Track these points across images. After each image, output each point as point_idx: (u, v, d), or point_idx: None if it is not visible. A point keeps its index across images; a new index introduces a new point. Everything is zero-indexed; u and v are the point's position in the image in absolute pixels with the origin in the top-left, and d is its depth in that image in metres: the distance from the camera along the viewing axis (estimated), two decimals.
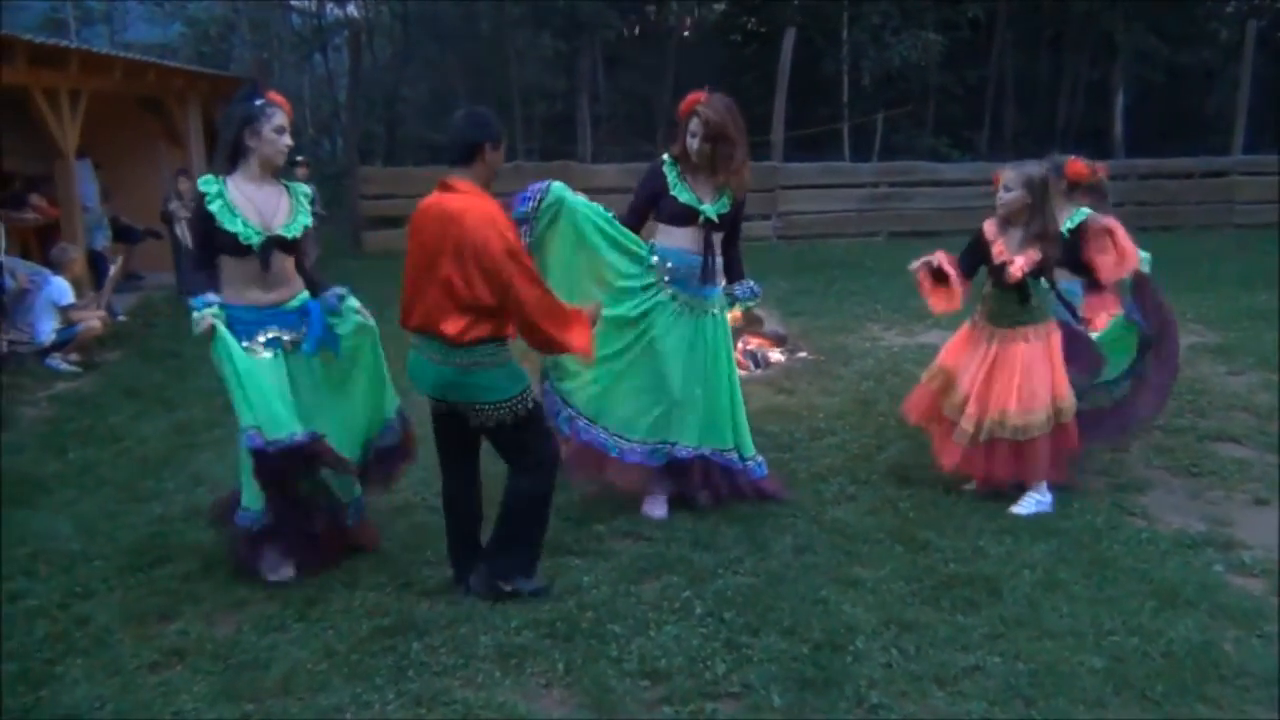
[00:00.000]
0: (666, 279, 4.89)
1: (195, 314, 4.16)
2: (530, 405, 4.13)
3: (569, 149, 16.99)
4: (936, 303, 5.19)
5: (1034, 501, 5.00)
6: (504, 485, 4.23)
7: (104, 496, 5.52)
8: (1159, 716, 3.39)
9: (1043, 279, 4.98)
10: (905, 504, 5.14)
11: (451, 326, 3.94)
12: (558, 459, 4.31)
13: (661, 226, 4.94)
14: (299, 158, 9.87)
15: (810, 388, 7.46)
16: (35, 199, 11.11)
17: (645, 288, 4.90)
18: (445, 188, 4.02)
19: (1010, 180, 4.90)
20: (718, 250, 4.96)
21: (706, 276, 4.92)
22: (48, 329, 8.54)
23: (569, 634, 3.91)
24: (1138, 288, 5.40)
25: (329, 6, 21.61)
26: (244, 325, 4.24)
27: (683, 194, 4.85)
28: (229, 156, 4.30)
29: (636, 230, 4.97)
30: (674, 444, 4.97)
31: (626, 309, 4.88)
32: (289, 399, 4.22)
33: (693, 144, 4.79)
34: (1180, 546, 4.64)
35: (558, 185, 4.85)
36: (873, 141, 18.24)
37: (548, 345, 4.11)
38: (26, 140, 10.41)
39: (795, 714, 3.43)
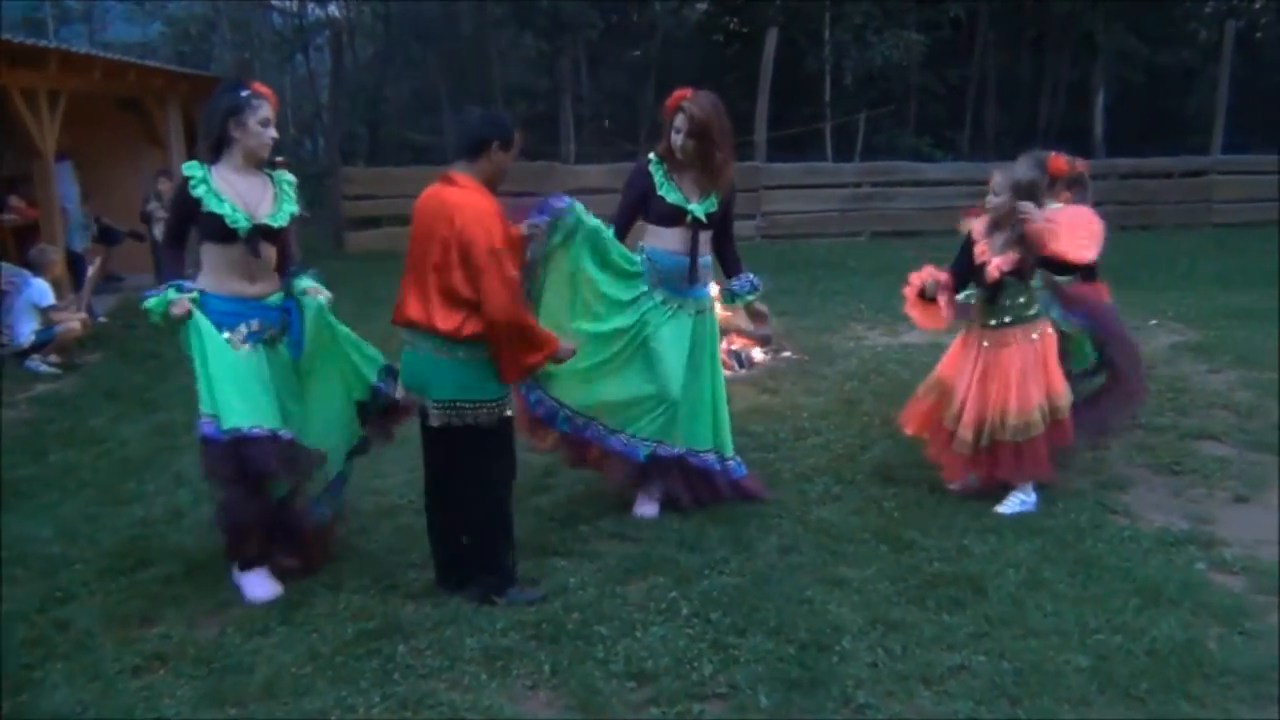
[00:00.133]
0: (656, 280, 4.87)
1: (172, 296, 4.09)
2: (505, 415, 4.13)
3: (552, 149, 16.96)
4: (919, 318, 5.27)
5: (1018, 501, 5.01)
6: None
7: (84, 499, 5.48)
8: (1144, 714, 3.40)
9: (1028, 280, 4.98)
10: (890, 503, 5.15)
11: (441, 320, 3.95)
12: (512, 478, 4.30)
13: (650, 227, 4.93)
14: (279, 157, 9.78)
15: (794, 387, 7.47)
16: (14, 200, 11.03)
17: (635, 300, 4.86)
18: (447, 180, 4.04)
19: (998, 185, 4.93)
20: (703, 250, 4.95)
21: (693, 277, 4.91)
22: (27, 331, 8.48)
23: (555, 635, 3.90)
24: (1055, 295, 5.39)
25: (310, 6, 21.53)
26: (225, 316, 4.17)
27: (670, 194, 4.84)
28: (212, 147, 4.23)
29: (626, 231, 4.95)
30: (660, 442, 4.96)
31: (618, 323, 4.85)
32: (270, 393, 4.17)
33: (677, 140, 4.78)
34: (1163, 544, 4.66)
35: (579, 207, 4.81)
36: (855, 141, 18.27)
37: (505, 350, 3.99)
38: (4, 141, 10.33)
39: (782, 714, 3.43)
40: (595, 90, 20.36)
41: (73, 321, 8.70)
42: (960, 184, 15.83)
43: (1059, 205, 5.61)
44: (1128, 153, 17.69)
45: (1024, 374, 4.95)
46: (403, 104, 21.16)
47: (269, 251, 4.28)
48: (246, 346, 4.20)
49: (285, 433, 4.15)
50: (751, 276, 5.21)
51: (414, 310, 4.03)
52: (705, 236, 4.94)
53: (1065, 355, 5.26)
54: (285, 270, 4.41)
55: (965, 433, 5.00)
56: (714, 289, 5.23)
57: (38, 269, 8.80)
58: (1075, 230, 4.92)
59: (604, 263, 4.85)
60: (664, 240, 4.89)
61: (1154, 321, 9.44)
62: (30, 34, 14.03)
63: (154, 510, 5.27)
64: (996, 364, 5.00)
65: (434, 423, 4.11)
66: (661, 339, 4.86)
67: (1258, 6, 21.63)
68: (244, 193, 4.21)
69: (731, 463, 5.15)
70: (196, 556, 4.62)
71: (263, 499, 4.18)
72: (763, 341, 8.52)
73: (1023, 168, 5.10)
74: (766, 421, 6.55)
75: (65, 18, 22.71)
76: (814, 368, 8.05)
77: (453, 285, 3.92)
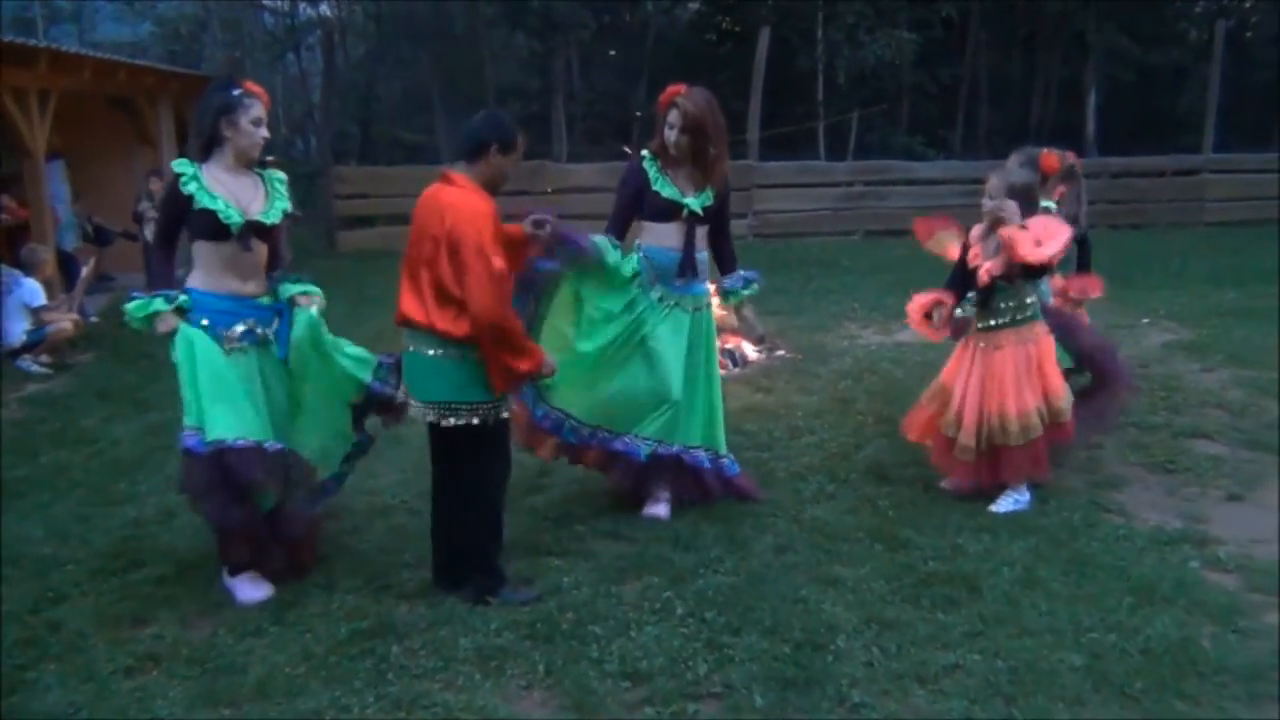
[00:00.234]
0: (653, 277, 4.85)
1: (158, 308, 4.08)
2: (501, 417, 4.12)
3: (544, 148, 16.94)
4: (926, 334, 5.32)
5: (1012, 500, 5.01)
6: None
7: (76, 499, 5.45)
8: (1138, 713, 3.40)
9: (1019, 283, 4.97)
10: (884, 502, 5.15)
11: (435, 318, 3.95)
12: (505, 480, 4.29)
13: (646, 224, 4.91)
14: (269, 157, 9.73)
15: (788, 386, 7.47)
16: (5, 200, 10.99)
17: (629, 303, 4.85)
18: (445, 180, 4.04)
19: (993, 189, 4.94)
20: (698, 245, 4.94)
21: (685, 271, 4.89)
22: (18, 331, 8.44)
23: (549, 635, 3.89)
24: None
25: (301, 6, 21.49)
26: (221, 315, 4.15)
27: (665, 188, 4.83)
28: (203, 146, 4.21)
29: (625, 230, 4.93)
30: (660, 441, 4.93)
31: (614, 330, 4.84)
32: (259, 401, 4.15)
33: (670, 135, 4.77)
34: (1157, 543, 4.66)
35: (613, 253, 4.81)
36: (848, 140, 18.30)
37: (492, 353, 3.95)
38: None
39: (777, 714, 3.42)
40: (587, 90, 20.35)
41: (64, 322, 8.67)
42: (953, 183, 15.87)
43: (1053, 204, 5.63)
44: (1119, 152, 17.74)
45: (1018, 378, 4.94)
46: (395, 103, 21.15)
47: (260, 249, 4.26)
48: (241, 346, 4.18)
49: (273, 444, 4.11)
50: (744, 272, 5.21)
51: (410, 309, 4.03)
52: (701, 231, 4.93)
53: None
54: (273, 271, 4.37)
55: (967, 439, 4.99)
56: (711, 286, 5.21)
57: (28, 268, 8.77)
58: (1040, 235, 4.91)
59: (598, 281, 4.84)
60: (660, 236, 4.88)
61: (1146, 320, 9.46)
62: (20, 33, 13.97)
63: (146, 510, 5.25)
64: (991, 366, 5.00)
65: (429, 420, 4.10)
66: (659, 337, 4.85)
67: (1248, 6, 21.73)
68: (235, 191, 4.18)
69: (725, 460, 5.13)
70: (189, 557, 4.60)
71: (249, 508, 4.13)
72: (757, 340, 8.54)
73: (1017, 170, 5.10)
74: (761, 420, 6.54)
75: (55, 17, 22.63)
76: (808, 366, 8.05)
77: (444, 283, 3.92)
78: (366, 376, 4.43)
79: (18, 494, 5.54)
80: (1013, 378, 4.94)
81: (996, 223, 4.92)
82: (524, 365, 4.01)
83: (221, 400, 4.03)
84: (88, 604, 4.25)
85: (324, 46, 17.10)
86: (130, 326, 4.21)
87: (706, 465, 5.04)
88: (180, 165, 4.17)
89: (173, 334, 4.09)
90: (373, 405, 4.49)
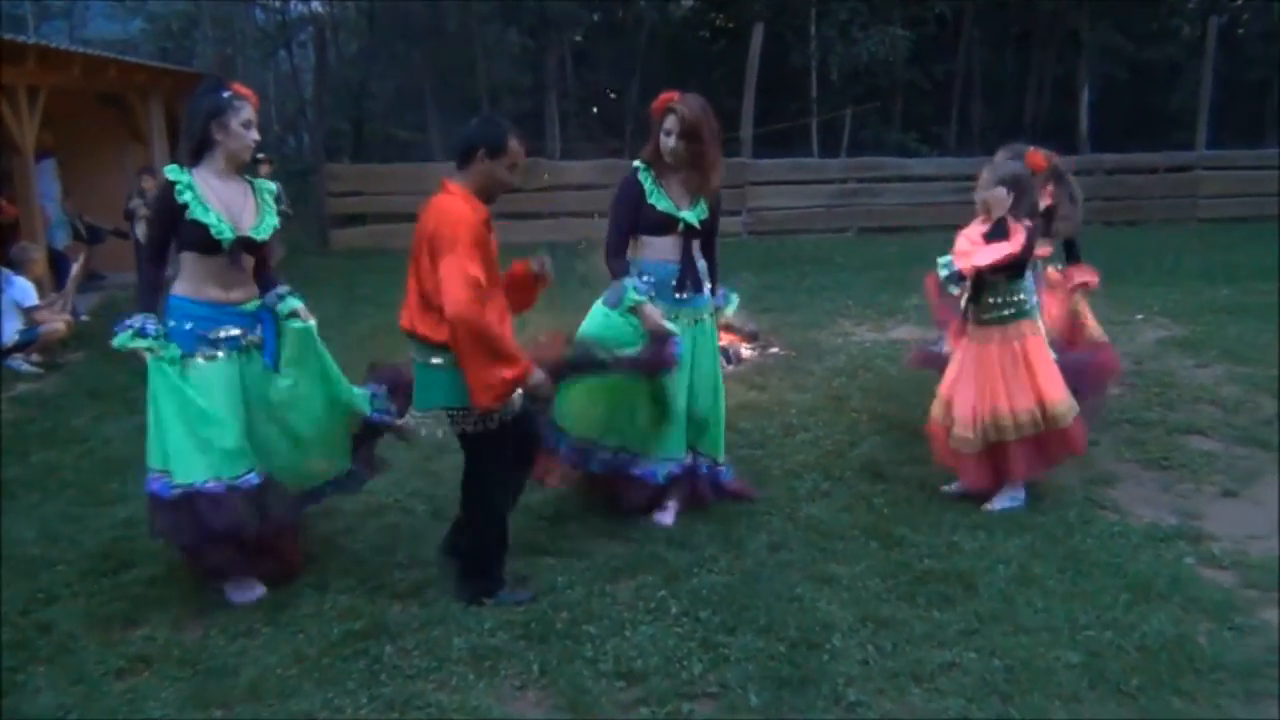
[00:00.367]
0: (652, 294, 4.74)
1: (133, 345, 4.09)
2: (493, 427, 4.04)
3: (537, 145, 16.92)
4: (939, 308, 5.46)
5: (1007, 498, 5.00)
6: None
7: (67, 500, 5.42)
8: (1135, 711, 3.39)
9: (1005, 280, 4.96)
10: (879, 500, 5.13)
11: (421, 324, 3.94)
12: (500, 490, 4.22)
13: (642, 238, 4.80)
14: (260, 155, 9.75)
15: (782, 384, 7.45)
16: None
17: (635, 329, 4.74)
18: (441, 188, 4.01)
19: (984, 182, 4.95)
20: (696, 257, 4.89)
21: (683, 286, 4.80)
22: (10, 330, 8.39)
23: (544, 635, 3.87)
24: None
25: (293, 2, 21.42)
26: (202, 322, 4.12)
27: (660, 202, 4.73)
28: (193, 150, 4.17)
29: (625, 245, 4.81)
30: (672, 458, 4.89)
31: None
32: (237, 412, 4.10)
33: (668, 142, 4.70)
34: (1152, 540, 4.65)
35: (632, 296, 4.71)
36: (841, 137, 18.31)
37: (467, 359, 3.83)
38: None
39: (772, 713, 3.41)
40: (581, 87, 20.32)
41: (57, 323, 8.63)
42: (946, 179, 15.87)
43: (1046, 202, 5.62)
44: (1113, 148, 17.77)
45: (1005, 375, 4.93)
46: (387, 100, 21.07)
47: (248, 261, 4.23)
48: (222, 354, 4.14)
49: (248, 478, 4.04)
50: (722, 290, 5.09)
51: (404, 317, 4.02)
52: (697, 244, 4.87)
53: None
54: (263, 277, 4.33)
55: (963, 431, 4.97)
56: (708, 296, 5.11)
57: (18, 267, 8.72)
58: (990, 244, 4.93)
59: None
60: (656, 250, 4.79)
61: (1140, 316, 9.47)
62: (9, 30, 13.91)
63: (137, 511, 5.18)
64: (982, 362, 4.99)
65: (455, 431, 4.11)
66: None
67: (1240, 3, 21.75)
68: (227, 201, 4.15)
69: (721, 469, 5.11)
70: (180, 558, 4.57)
71: (224, 545, 4.09)
72: (750, 337, 8.53)
73: (1005, 163, 5.09)
74: (755, 418, 6.53)
75: (45, 14, 22.53)
76: (802, 364, 8.04)
77: (426, 288, 3.90)
78: (366, 409, 4.41)
79: (8, 494, 5.50)
80: (1000, 375, 4.93)
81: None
82: (505, 373, 3.84)
83: (190, 439, 4.01)
84: (78, 605, 4.22)
85: (316, 43, 17.05)
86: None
87: (704, 472, 5.03)
88: (174, 173, 4.12)
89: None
90: (375, 434, 4.48)
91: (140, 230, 10.62)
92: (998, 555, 4.47)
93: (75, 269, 9.84)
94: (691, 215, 4.77)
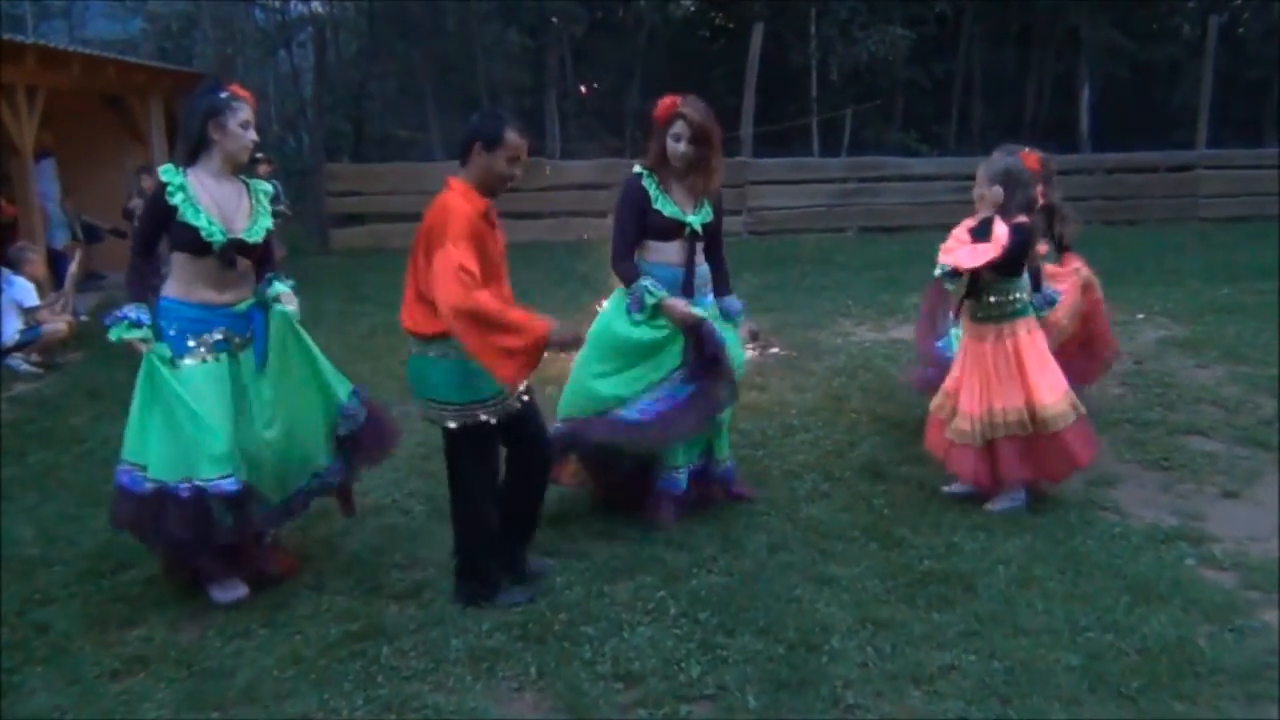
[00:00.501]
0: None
1: (129, 336, 4.05)
2: (473, 424, 4.00)
3: (537, 145, 16.90)
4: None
5: (1007, 498, 4.98)
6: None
7: (65, 500, 5.41)
8: (1135, 713, 3.37)
9: (999, 279, 4.94)
10: (879, 500, 5.12)
11: (408, 317, 3.95)
12: (478, 490, 4.14)
13: (647, 243, 4.76)
14: (259, 155, 9.74)
15: (782, 384, 7.44)
16: None
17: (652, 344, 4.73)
18: (445, 186, 4.00)
19: (980, 181, 4.95)
20: (699, 260, 4.85)
21: (687, 289, 4.76)
22: (10, 330, 8.38)
23: (541, 636, 3.86)
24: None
25: (293, 2, 21.38)
26: (192, 324, 4.10)
27: (666, 207, 4.71)
28: (190, 150, 4.15)
29: (633, 250, 4.76)
30: (688, 465, 4.90)
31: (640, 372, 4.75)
32: (224, 414, 4.06)
33: (677, 148, 4.65)
34: (1152, 541, 4.64)
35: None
36: (841, 136, 18.29)
37: (470, 339, 3.76)
38: None
39: (770, 715, 3.39)
40: (581, 86, 20.31)
41: (59, 323, 8.62)
42: (946, 179, 15.84)
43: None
44: (1113, 147, 17.77)
45: (996, 372, 4.92)
46: (387, 100, 21.06)
47: (242, 263, 4.20)
48: (212, 357, 4.11)
49: (226, 483, 3.99)
50: (736, 302, 5.06)
51: (401, 313, 4.01)
52: (701, 246, 4.85)
53: None
54: (265, 278, 4.31)
55: (963, 423, 4.96)
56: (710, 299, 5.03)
57: (16, 266, 8.70)
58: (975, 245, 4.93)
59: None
60: (662, 254, 4.76)
61: (1141, 316, 9.44)
62: (8, 29, 13.89)
63: None
64: (976, 357, 4.99)
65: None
66: (661, 364, 4.75)
67: (1240, 2, 21.72)
68: (221, 202, 4.13)
69: (730, 466, 5.10)
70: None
71: (193, 546, 4.09)
72: (751, 337, 8.51)
73: (1000, 160, 5.09)
74: (754, 418, 6.51)
75: (44, 14, 22.50)
76: (801, 364, 8.02)
77: (419, 281, 3.89)
78: (343, 395, 4.35)
79: (6, 495, 5.49)
80: (993, 372, 4.93)
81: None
82: (515, 341, 3.76)
83: (173, 438, 3.99)
84: (75, 606, 4.22)
85: (316, 43, 17.02)
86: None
87: (717, 473, 5.02)
88: (167, 174, 4.10)
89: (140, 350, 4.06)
90: (347, 432, 4.38)
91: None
92: (998, 556, 4.45)
93: (72, 268, 9.82)
94: (696, 219, 4.76)
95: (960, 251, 4.87)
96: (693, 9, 21.80)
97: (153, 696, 3.55)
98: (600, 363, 4.74)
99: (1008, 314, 4.97)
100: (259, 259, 4.27)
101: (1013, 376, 4.91)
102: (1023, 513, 4.91)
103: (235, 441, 4.06)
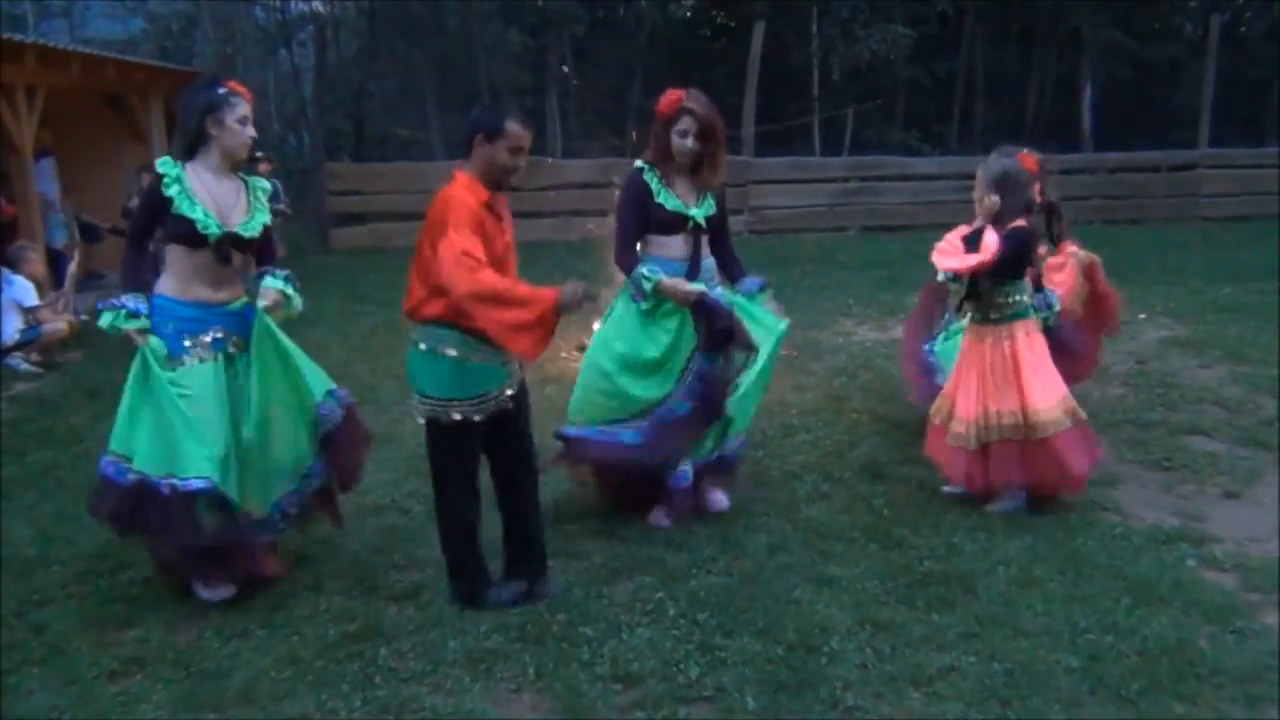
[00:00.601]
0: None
1: (125, 325, 4.02)
2: (451, 421, 3.96)
3: (538, 144, 16.85)
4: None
5: (1007, 499, 4.96)
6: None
7: (63, 500, 5.39)
8: (1135, 715, 3.36)
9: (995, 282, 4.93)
10: (879, 501, 5.10)
11: (406, 300, 3.94)
12: (458, 496, 4.09)
13: (650, 237, 4.76)
14: (258, 154, 9.74)
15: (782, 383, 7.39)
16: None
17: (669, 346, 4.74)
18: (451, 178, 3.99)
19: (979, 184, 4.96)
20: (704, 253, 4.84)
21: (694, 280, 4.73)
22: (10, 329, 8.37)
23: (540, 637, 3.84)
24: None
25: (293, 1, 21.36)
26: (188, 323, 4.08)
27: (669, 201, 4.70)
28: (187, 144, 4.13)
29: (635, 245, 4.76)
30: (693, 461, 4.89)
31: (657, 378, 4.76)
32: (216, 415, 4.04)
33: (684, 143, 4.64)
34: (1153, 542, 4.62)
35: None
36: (843, 136, 18.27)
37: (480, 318, 3.75)
38: None
39: (769, 717, 3.38)
40: (581, 85, 20.29)
41: (59, 322, 8.61)
42: (948, 178, 15.83)
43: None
44: (1115, 147, 17.74)
45: (993, 375, 4.91)
46: (388, 99, 21.06)
47: (238, 259, 4.18)
48: (207, 357, 4.10)
49: (197, 482, 3.94)
50: (755, 279, 5.07)
51: (404, 301, 4.01)
52: (705, 239, 4.84)
53: None
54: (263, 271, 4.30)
55: (960, 426, 4.95)
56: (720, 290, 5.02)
57: (16, 266, 8.69)
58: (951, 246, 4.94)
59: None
60: (666, 249, 4.75)
61: (1143, 316, 9.42)
62: (8, 29, 13.90)
63: None
64: (975, 359, 4.99)
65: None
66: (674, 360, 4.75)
67: (1242, 1, 21.69)
68: (218, 196, 4.11)
69: (741, 439, 5.09)
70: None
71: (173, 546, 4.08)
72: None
73: (996, 162, 5.09)
74: (754, 418, 6.47)
75: (45, 13, 22.50)
76: (802, 363, 8.00)
77: (424, 268, 3.88)
78: (319, 393, 4.28)
79: (5, 494, 5.49)
80: (990, 374, 4.92)
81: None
82: (526, 315, 3.72)
83: (160, 433, 3.98)
84: (72, 606, 4.21)
85: (316, 42, 17.01)
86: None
87: (714, 459, 4.98)
88: (164, 165, 4.08)
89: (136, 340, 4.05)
90: (325, 433, 4.32)
91: None
92: (998, 557, 4.44)
93: (72, 267, 9.81)
94: (699, 212, 4.76)
95: (950, 257, 4.87)
96: (692, 8, 21.77)
97: (150, 697, 3.55)
98: (608, 378, 4.75)
99: (1007, 316, 4.96)
100: (256, 257, 4.25)
101: (1008, 379, 4.90)
102: (1023, 513, 4.90)
103: (227, 445, 4.04)
